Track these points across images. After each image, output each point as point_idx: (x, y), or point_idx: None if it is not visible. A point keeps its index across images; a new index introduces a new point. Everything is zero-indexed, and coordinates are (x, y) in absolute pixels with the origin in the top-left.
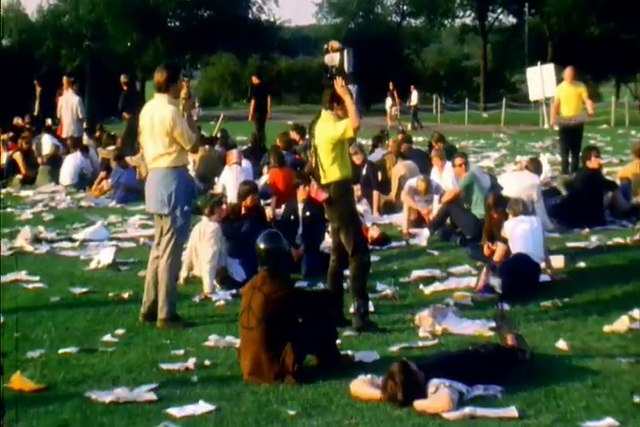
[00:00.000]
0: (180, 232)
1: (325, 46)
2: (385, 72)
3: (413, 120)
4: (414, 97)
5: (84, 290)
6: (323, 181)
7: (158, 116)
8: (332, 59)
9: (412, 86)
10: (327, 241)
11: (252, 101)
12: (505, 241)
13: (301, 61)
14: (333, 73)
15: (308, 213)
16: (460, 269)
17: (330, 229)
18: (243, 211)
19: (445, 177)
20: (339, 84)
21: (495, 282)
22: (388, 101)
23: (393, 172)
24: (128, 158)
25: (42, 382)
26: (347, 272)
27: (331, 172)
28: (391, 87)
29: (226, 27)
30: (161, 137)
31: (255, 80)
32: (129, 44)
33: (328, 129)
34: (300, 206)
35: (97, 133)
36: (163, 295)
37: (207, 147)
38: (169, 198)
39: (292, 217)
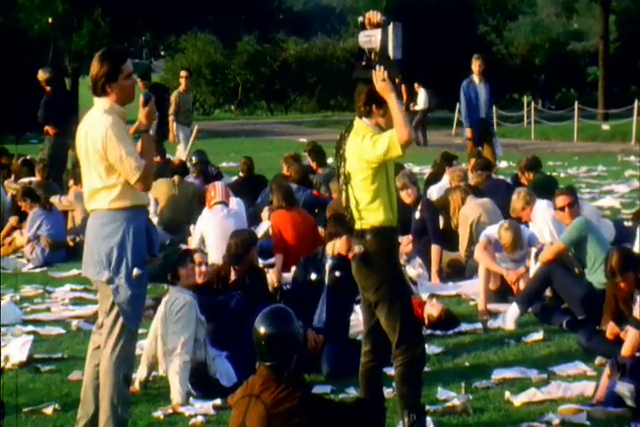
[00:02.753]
0: (128, 310)
1: (360, 20)
2: (449, 60)
3: (416, 131)
4: (421, 98)
5: None
6: (356, 226)
7: (91, 131)
8: (369, 39)
9: (417, 84)
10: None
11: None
12: (639, 325)
13: (320, 45)
14: (372, 60)
15: (338, 273)
16: (569, 368)
17: (361, 303)
18: (233, 276)
19: (541, 224)
20: (379, 75)
21: (625, 389)
22: None
23: (462, 214)
24: (54, 198)
25: None
26: (390, 371)
27: (369, 213)
28: (397, 81)
29: None
30: (95, 164)
31: (141, 84)
32: (50, 20)
33: (364, 146)
34: (328, 263)
35: (2, 159)
36: (107, 408)
37: (176, 178)
38: (107, 257)
39: (315, 275)
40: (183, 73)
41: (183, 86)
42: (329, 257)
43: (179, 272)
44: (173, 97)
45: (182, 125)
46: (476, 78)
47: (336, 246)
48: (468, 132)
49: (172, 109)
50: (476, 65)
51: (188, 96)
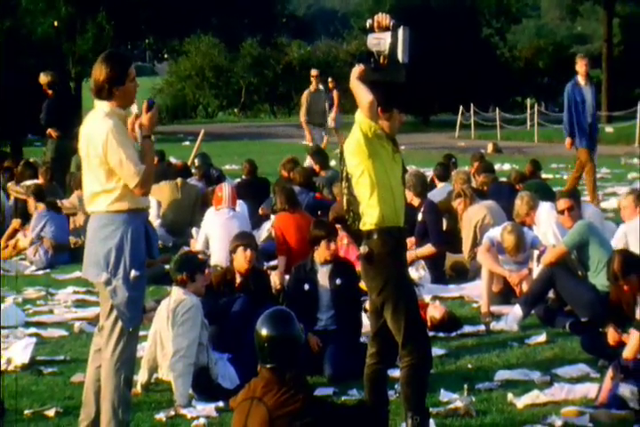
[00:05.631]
0: (126, 312)
1: (369, 22)
2: (452, 64)
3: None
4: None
5: None
6: (362, 227)
7: (91, 135)
8: (379, 41)
9: (330, 79)
10: (365, 324)
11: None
12: None
13: (323, 48)
14: (380, 63)
15: (338, 282)
16: (572, 370)
17: (367, 304)
18: (238, 279)
19: (544, 227)
20: (355, 71)
21: (627, 391)
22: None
23: (465, 217)
24: (58, 201)
25: None
26: (394, 373)
27: (370, 209)
28: (330, 85)
29: None
30: (95, 167)
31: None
32: (54, 23)
33: (351, 138)
34: (323, 270)
35: (6, 161)
36: (107, 411)
37: (179, 181)
38: (105, 259)
39: (307, 286)
40: (314, 72)
41: (314, 86)
42: (320, 265)
43: (196, 276)
44: (304, 97)
45: (314, 126)
46: (581, 80)
47: (320, 254)
48: (567, 142)
49: (303, 110)
50: (581, 65)
51: (319, 95)
